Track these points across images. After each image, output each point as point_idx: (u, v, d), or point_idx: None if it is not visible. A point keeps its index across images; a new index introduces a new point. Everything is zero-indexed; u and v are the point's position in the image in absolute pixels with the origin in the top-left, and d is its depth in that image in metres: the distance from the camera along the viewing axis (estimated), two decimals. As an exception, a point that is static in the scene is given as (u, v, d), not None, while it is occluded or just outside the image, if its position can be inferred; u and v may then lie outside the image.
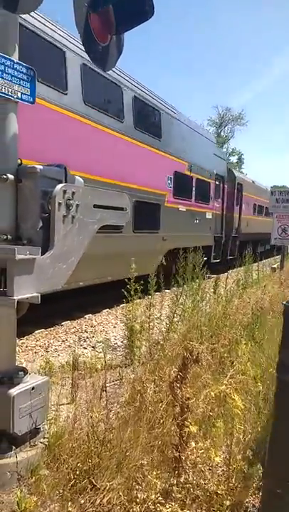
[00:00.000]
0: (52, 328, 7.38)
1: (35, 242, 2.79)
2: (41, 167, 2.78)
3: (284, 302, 1.70)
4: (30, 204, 2.81)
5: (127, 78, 9.11)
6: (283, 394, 1.80)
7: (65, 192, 2.77)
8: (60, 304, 8.67)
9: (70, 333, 7.14)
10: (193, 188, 12.60)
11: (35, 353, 6.09)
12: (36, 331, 7.08)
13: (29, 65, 2.87)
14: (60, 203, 2.73)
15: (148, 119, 10.27)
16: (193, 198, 12.62)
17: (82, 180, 3.11)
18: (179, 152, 11.45)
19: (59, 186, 2.74)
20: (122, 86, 8.84)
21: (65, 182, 2.92)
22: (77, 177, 3.08)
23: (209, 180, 14.17)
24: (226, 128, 54.12)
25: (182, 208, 11.71)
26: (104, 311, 8.95)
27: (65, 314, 8.18)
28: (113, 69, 3.72)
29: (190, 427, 2.16)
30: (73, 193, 2.84)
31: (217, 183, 15.14)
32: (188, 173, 12.13)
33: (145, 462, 2.69)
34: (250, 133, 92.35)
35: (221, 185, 15.80)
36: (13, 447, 2.73)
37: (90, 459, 2.57)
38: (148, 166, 9.95)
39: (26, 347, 6.31)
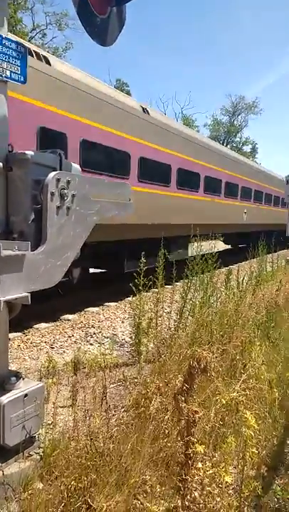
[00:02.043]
0: (58, 323, 7.19)
1: (27, 236, 2.54)
2: (32, 153, 2.52)
3: None
4: (21, 194, 2.56)
5: None
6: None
7: (58, 180, 2.51)
8: (67, 298, 8.49)
9: (76, 329, 6.93)
10: None
11: (40, 349, 5.89)
12: (42, 326, 6.90)
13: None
14: (53, 193, 2.47)
15: None
16: None
17: (80, 168, 2.84)
18: None
19: (52, 174, 2.48)
20: None
21: (60, 170, 2.65)
22: (74, 164, 2.81)
23: None
24: (240, 117, 53.07)
25: None
26: (113, 305, 8.73)
27: (72, 308, 7.99)
28: None
29: (196, 446, 1.90)
30: (68, 182, 2.57)
31: None
32: None
33: (148, 478, 2.45)
34: (264, 123, 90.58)
35: None
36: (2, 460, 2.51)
37: (86, 475, 2.33)
38: None
39: (31, 343, 6.13)
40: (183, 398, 2.02)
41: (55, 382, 3.90)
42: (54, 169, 2.63)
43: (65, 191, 2.55)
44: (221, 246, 18.93)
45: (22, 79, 2.65)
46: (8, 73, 2.54)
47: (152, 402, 2.70)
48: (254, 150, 55.44)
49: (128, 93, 33.54)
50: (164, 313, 5.28)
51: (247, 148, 54.20)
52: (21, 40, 6.21)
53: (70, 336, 6.53)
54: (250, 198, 17.84)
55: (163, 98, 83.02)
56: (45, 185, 2.45)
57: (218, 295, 5.33)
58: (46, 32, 34.00)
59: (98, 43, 2.91)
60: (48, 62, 6.83)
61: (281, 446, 2.65)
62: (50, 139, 6.73)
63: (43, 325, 6.96)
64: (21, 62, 2.62)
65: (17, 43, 2.59)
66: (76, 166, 2.81)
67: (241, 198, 16.62)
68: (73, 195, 2.62)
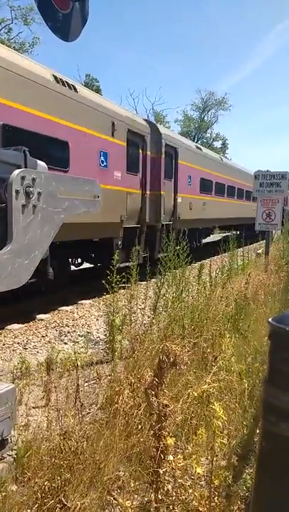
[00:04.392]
0: (32, 324, 7.10)
1: (-8, 235, 2.49)
2: (-5, 151, 2.47)
3: (270, 320, 1.35)
4: (-15, 193, 2.51)
5: None
6: (271, 447, 1.34)
7: (23, 178, 2.47)
8: (40, 298, 8.39)
9: (50, 328, 6.86)
10: None
11: (13, 350, 5.81)
12: (15, 327, 6.79)
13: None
14: (17, 191, 2.43)
15: None
16: None
17: (46, 165, 2.81)
18: None
19: (16, 172, 2.44)
20: None
21: (25, 167, 2.62)
22: (39, 162, 2.77)
23: None
24: (210, 113, 53.53)
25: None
26: (87, 303, 8.68)
27: (45, 308, 7.91)
28: None
29: (167, 439, 1.92)
30: (34, 180, 2.53)
31: None
32: None
33: (121, 474, 2.46)
34: (235, 119, 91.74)
35: None
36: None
37: (60, 475, 2.32)
38: None
39: (4, 344, 6.03)
40: (153, 392, 2.04)
41: (28, 383, 3.86)
42: (18, 167, 2.59)
43: (31, 189, 2.52)
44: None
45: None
46: None
47: (123, 398, 2.71)
48: (224, 145, 56.11)
49: (98, 89, 33.22)
50: (139, 310, 5.29)
51: (218, 144, 54.78)
52: None
53: (43, 336, 6.46)
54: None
55: (133, 94, 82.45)
56: (9, 184, 2.41)
57: (190, 289, 5.38)
58: (12, 27, 33.07)
59: (60, 38, 2.88)
60: None
61: (251, 436, 2.71)
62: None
63: (15, 326, 6.85)
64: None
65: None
66: (42, 164, 2.77)
67: None
68: (39, 193, 2.59)
